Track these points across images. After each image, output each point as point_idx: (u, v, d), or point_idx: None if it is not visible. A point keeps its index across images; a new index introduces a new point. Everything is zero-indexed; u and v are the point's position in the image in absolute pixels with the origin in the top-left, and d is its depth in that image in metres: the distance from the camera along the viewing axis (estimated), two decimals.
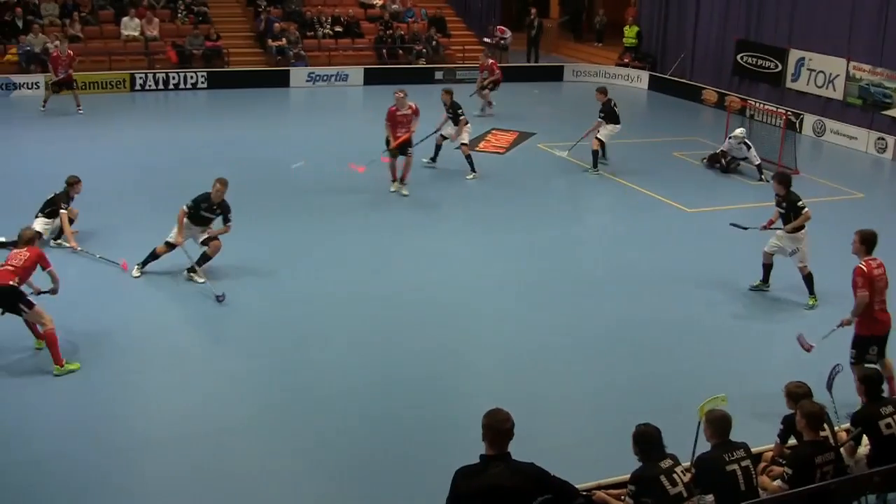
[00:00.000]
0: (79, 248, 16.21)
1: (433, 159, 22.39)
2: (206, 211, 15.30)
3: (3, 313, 12.36)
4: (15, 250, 12.68)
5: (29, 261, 12.39)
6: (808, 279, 15.27)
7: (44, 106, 26.96)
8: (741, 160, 22.93)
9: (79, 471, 10.26)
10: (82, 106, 26.87)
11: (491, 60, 29.41)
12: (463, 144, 22.02)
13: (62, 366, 12.24)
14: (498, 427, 7.00)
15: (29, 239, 12.88)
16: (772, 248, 15.42)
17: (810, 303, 15.19)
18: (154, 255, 15.39)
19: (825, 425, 8.68)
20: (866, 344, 11.45)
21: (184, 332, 13.99)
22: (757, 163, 22.71)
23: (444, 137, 22.28)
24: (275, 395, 12.08)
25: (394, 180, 20.58)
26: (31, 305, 12.28)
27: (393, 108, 20.36)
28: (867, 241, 11.59)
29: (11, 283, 12.14)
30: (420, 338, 13.78)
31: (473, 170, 21.93)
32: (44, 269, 12.60)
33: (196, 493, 10.04)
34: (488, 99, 28.68)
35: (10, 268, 12.21)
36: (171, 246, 15.28)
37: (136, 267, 15.45)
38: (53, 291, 12.80)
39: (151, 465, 10.53)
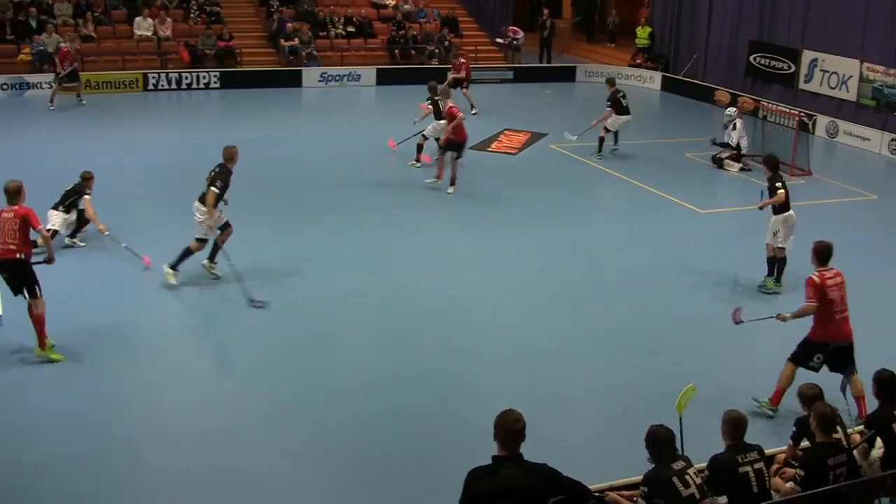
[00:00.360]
0: (107, 233, 16.10)
1: (417, 160, 22.70)
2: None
3: (15, 294, 12.36)
4: (4, 214, 12.13)
5: (20, 228, 11.98)
6: (781, 263, 15.62)
7: (52, 103, 27.08)
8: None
9: (89, 469, 10.25)
10: (83, 97, 27.52)
11: (463, 60, 29.75)
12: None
13: (44, 348, 12.26)
14: (508, 428, 6.98)
15: (15, 191, 12.28)
16: (771, 238, 15.59)
17: (768, 285, 15.58)
18: (188, 253, 15.00)
19: (838, 427, 8.65)
20: (812, 348, 11.41)
21: (196, 329, 14.01)
22: (734, 144, 23.35)
23: (425, 137, 22.51)
24: (285, 392, 12.09)
25: (437, 177, 21.07)
26: (36, 295, 12.20)
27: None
28: (818, 253, 11.66)
29: (18, 255, 12.02)
30: (431, 337, 13.81)
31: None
32: (34, 228, 12.11)
33: (206, 490, 10.04)
34: (470, 100, 28.75)
35: (11, 246, 11.96)
36: (202, 242, 15.05)
37: (171, 272, 14.97)
38: (49, 260, 12.42)
39: (163, 463, 10.52)
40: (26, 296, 12.30)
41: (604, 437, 11.45)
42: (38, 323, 12.26)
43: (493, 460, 7.00)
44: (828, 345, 11.33)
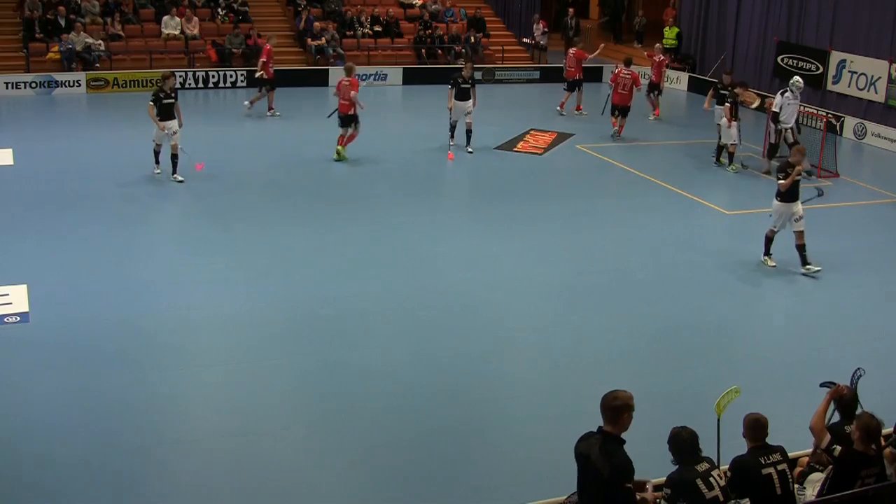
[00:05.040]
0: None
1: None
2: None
3: None
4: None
5: None
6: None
7: (250, 106, 27.49)
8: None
9: (101, 469, 10.25)
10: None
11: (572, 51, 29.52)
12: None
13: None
14: (604, 403, 7.44)
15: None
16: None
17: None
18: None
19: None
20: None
21: (217, 330, 13.92)
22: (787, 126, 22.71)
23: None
24: (306, 395, 12.12)
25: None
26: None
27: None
28: None
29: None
30: (459, 337, 13.76)
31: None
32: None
33: (222, 494, 10.04)
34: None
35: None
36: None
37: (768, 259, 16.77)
38: None
39: (184, 466, 10.54)
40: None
41: (630, 438, 11.39)
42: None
43: (597, 428, 7.46)
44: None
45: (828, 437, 8.41)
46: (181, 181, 19.90)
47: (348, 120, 22.32)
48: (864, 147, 27.19)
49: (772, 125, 22.93)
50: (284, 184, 20.63)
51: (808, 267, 16.20)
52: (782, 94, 22.76)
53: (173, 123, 20.06)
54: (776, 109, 22.70)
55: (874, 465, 8.22)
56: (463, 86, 23.53)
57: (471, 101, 23.51)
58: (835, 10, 29.37)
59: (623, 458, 7.34)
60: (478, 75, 31.42)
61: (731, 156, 23.14)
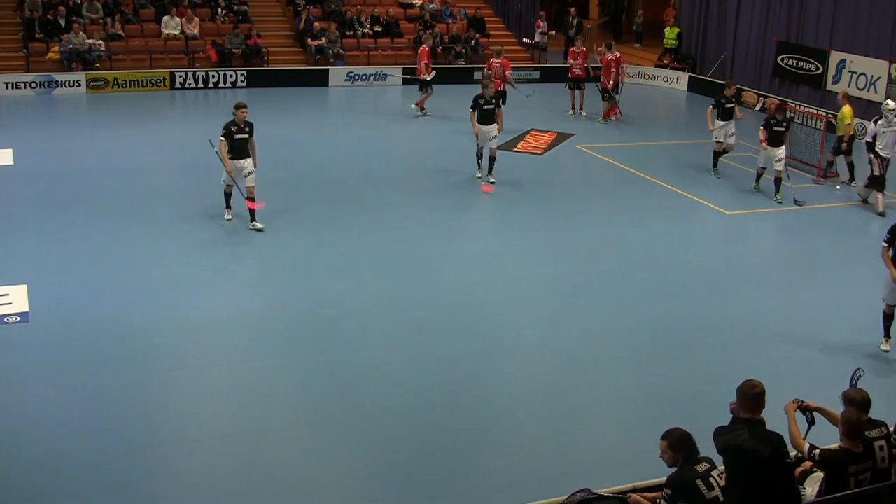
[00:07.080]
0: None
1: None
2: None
3: None
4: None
5: None
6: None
7: (422, 110, 28.15)
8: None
9: (103, 470, 10.24)
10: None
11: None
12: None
13: None
14: (747, 392, 7.77)
15: None
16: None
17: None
18: None
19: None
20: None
21: (217, 330, 13.90)
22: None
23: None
24: (306, 396, 12.11)
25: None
26: None
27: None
28: None
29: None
30: (461, 338, 13.74)
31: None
32: None
33: (225, 492, 10.02)
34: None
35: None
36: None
37: None
38: None
39: (184, 466, 10.53)
40: None
41: (630, 438, 11.41)
42: None
43: (731, 421, 7.87)
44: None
45: (806, 445, 8.43)
46: (260, 229, 17.45)
47: (498, 95, 23.07)
48: (864, 147, 27.10)
49: (869, 155, 21.00)
50: (282, 184, 20.60)
51: (886, 339, 13.56)
52: (876, 121, 21.09)
53: (248, 163, 17.39)
54: (869, 139, 21.11)
55: (863, 461, 8.19)
56: (486, 107, 20.67)
57: (494, 124, 20.76)
58: (835, 10, 29.37)
59: (775, 435, 7.72)
60: (477, 75, 31.48)
61: (777, 182, 20.67)
